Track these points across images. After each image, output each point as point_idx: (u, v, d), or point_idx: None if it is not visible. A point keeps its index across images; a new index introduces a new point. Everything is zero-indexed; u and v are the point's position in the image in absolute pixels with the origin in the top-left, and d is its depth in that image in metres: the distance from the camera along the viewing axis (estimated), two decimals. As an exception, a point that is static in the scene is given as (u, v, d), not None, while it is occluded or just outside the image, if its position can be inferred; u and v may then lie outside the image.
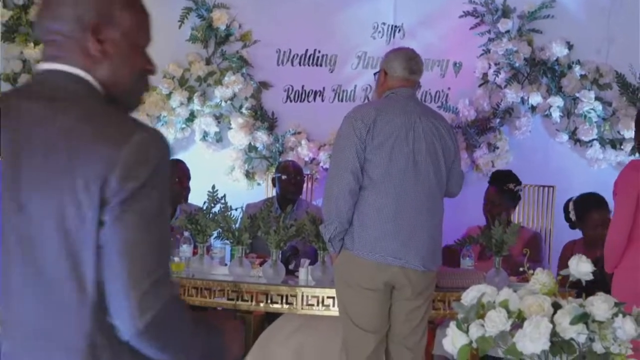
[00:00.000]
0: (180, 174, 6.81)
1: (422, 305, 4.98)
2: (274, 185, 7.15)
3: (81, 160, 2.09)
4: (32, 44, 7.32)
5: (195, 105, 7.55)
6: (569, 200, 6.61)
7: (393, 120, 4.89)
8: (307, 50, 7.77)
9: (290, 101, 7.81)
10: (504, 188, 6.76)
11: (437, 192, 4.99)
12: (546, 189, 7.55)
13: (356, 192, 4.84)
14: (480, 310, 3.24)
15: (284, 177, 6.91)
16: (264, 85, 7.75)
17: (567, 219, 6.60)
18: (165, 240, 2.16)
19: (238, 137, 7.58)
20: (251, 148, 7.64)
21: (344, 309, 4.93)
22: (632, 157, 7.37)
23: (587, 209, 6.43)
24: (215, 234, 5.86)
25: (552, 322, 3.15)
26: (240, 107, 7.64)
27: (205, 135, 7.62)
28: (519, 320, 3.20)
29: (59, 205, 2.10)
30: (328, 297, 5.29)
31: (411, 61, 5.11)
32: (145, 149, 2.12)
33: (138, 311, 2.09)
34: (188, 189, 6.79)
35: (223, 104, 7.61)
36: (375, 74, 5.34)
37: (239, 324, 2.50)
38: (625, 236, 5.15)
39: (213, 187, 5.81)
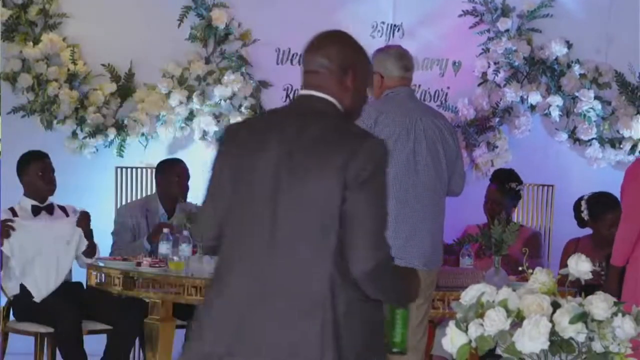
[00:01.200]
0: (180, 173, 6.80)
1: (422, 304, 4.97)
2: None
3: (331, 156, 3.05)
4: (31, 44, 7.32)
5: (195, 105, 7.55)
6: (580, 199, 6.59)
7: (394, 121, 4.88)
8: (306, 50, 7.75)
9: (290, 100, 7.80)
10: (506, 187, 6.76)
11: (439, 192, 4.98)
12: (545, 188, 7.55)
13: None
14: (480, 309, 3.24)
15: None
16: (263, 84, 7.74)
17: (578, 217, 6.58)
18: (386, 213, 3.08)
19: (237, 136, 7.57)
20: (251, 147, 7.63)
21: None
22: (632, 156, 7.40)
23: (602, 209, 6.42)
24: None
25: (551, 321, 3.15)
26: (240, 106, 7.63)
27: (204, 134, 7.61)
28: (518, 319, 3.20)
29: (316, 188, 3.04)
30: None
31: (404, 59, 5.11)
32: (374, 148, 3.11)
33: (367, 259, 3.02)
34: (187, 188, 6.78)
35: (222, 103, 7.60)
36: None
37: (417, 272, 3.37)
38: (636, 229, 5.17)
39: (212, 186, 5.80)
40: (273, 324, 3.06)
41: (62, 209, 6.53)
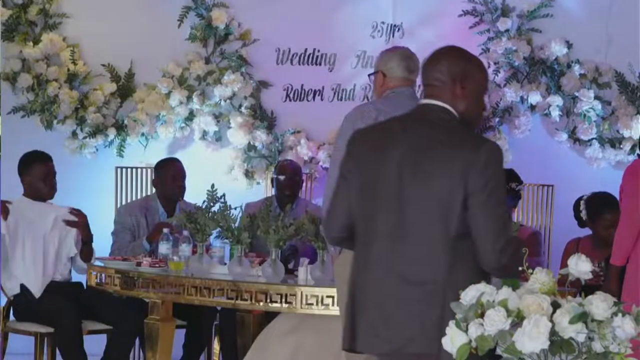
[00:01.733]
0: (175, 172, 6.78)
1: None
2: (272, 185, 7.15)
3: (451, 160, 3.45)
4: (31, 43, 7.32)
5: (195, 105, 7.55)
6: (579, 199, 6.59)
7: None
8: (306, 49, 7.77)
9: (290, 100, 7.81)
10: (506, 187, 6.75)
11: None
12: (545, 188, 7.55)
13: None
14: (479, 309, 3.24)
15: (280, 177, 6.90)
16: (263, 84, 7.75)
17: (578, 217, 6.59)
18: (507, 211, 3.56)
19: (237, 136, 7.58)
20: (250, 147, 7.64)
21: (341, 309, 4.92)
22: (632, 156, 7.39)
23: (600, 210, 6.42)
24: (214, 233, 5.86)
25: (551, 321, 3.15)
26: (240, 106, 7.64)
27: (204, 134, 7.62)
28: (518, 319, 3.20)
29: (438, 184, 3.45)
30: (327, 297, 5.28)
31: (409, 60, 5.10)
32: (492, 153, 3.48)
33: (498, 255, 3.45)
34: (183, 188, 6.76)
35: (222, 103, 7.61)
36: (369, 75, 5.32)
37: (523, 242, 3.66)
38: (636, 228, 5.17)
39: (212, 186, 5.81)
40: (400, 311, 3.48)
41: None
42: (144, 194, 7.32)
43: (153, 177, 6.96)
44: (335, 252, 4.89)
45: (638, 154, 6.87)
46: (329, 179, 4.92)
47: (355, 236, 3.67)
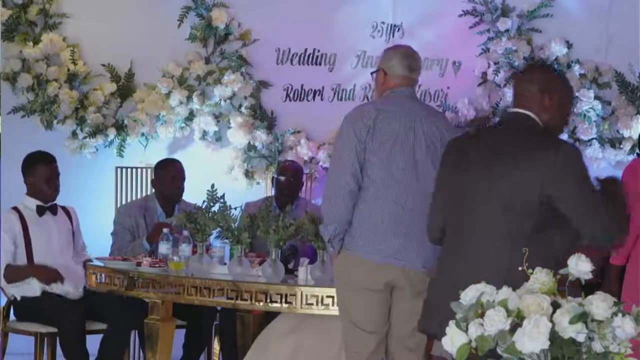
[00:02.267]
0: (175, 173, 6.76)
1: (421, 303, 4.97)
2: (272, 184, 7.15)
3: (528, 160, 3.91)
4: (31, 43, 7.32)
5: (195, 105, 7.55)
6: None
7: (393, 121, 4.87)
8: (306, 49, 7.77)
9: (290, 100, 7.80)
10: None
11: None
12: (545, 188, 7.54)
13: (356, 194, 4.81)
14: (479, 309, 3.24)
15: (280, 178, 6.90)
16: (263, 84, 7.75)
17: None
18: (594, 189, 3.99)
19: (237, 136, 7.58)
20: (250, 147, 7.64)
21: (345, 310, 4.91)
22: (632, 156, 7.39)
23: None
24: (214, 233, 5.85)
25: (551, 321, 3.15)
26: (240, 106, 7.64)
27: (204, 134, 7.62)
28: (518, 319, 3.20)
29: (516, 183, 3.92)
30: (327, 297, 5.28)
31: (410, 59, 5.08)
32: (570, 152, 3.95)
33: (610, 223, 3.93)
34: (182, 189, 6.74)
35: (222, 103, 7.61)
36: (372, 73, 5.31)
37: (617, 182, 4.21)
38: (636, 228, 5.17)
39: (212, 186, 5.80)
40: None
41: (65, 209, 6.55)
42: (144, 194, 7.32)
43: (153, 178, 6.95)
44: (335, 252, 4.89)
45: (638, 154, 6.86)
46: (330, 179, 4.91)
47: (447, 234, 4.22)
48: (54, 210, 6.47)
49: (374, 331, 4.88)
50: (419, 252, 4.85)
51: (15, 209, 6.41)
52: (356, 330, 4.86)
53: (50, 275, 6.28)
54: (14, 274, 6.27)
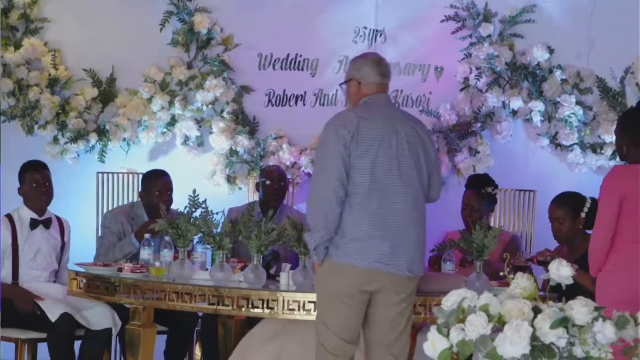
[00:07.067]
0: (160, 188, 6.66)
1: (405, 309, 4.97)
2: (257, 190, 7.14)
3: None
4: (12, 48, 7.29)
5: (177, 110, 7.53)
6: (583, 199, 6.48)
7: (376, 127, 4.87)
8: (288, 55, 7.76)
9: (272, 105, 7.80)
10: (482, 192, 6.77)
11: (422, 197, 4.98)
12: (527, 193, 7.56)
13: (343, 200, 4.81)
14: (461, 315, 3.24)
15: (267, 182, 6.90)
16: (245, 89, 7.74)
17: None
18: None
19: (219, 142, 7.56)
20: (233, 152, 7.63)
21: (324, 320, 4.90)
22: (613, 162, 7.40)
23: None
24: (196, 239, 5.84)
25: (532, 326, 3.16)
26: (222, 111, 7.63)
27: (186, 139, 7.60)
28: (499, 324, 3.20)
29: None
30: (309, 302, 5.28)
31: (382, 66, 5.10)
32: None
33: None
34: (169, 202, 6.66)
35: (204, 108, 7.60)
36: (341, 84, 5.30)
37: None
38: (608, 241, 5.17)
39: (194, 191, 5.79)
40: None
41: (59, 221, 6.54)
42: (125, 200, 7.29)
43: (140, 188, 6.88)
44: (319, 260, 4.88)
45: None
46: (316, 187, 4.89)
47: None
48: (47, 224, 6.46)
49: (353, 341, 4.88)
50: (406, 257, 4.86)
51: (9, 217, 6.38)
52: (335, 339, 4.85)
53: (27, 304, 6.23)
54: None
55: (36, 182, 6.41)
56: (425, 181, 4.98)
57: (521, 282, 3.35)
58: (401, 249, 4.85)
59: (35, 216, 6.42)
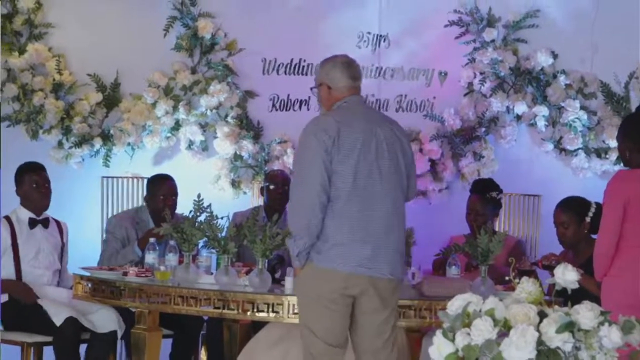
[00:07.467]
0: (165, 192, 6.69)
1: (390, 315, 4.94)
2: (261, 194, 7.15)
3: None
4: (16, 53, 7.30)
5: (181, 114, 7.54)
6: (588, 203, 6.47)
7: (355, 131, 4.84)
8: (292, 60, 7.77)
9: (276, 110, 7.80)
10: (487, 196, 6.77)
11: (401, 199, 4.97)
12: (531, 198, 7.56)
13: (325, 205, 4.79)
14: (466, 319, 3.24)
15: (271, 186, 6.92)
16: (249, 94, 7.75)
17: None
18: None
19: (224, 146, 7.57)
20: (237, 157, 7.64)
21: (307, 324, 4.88)
22: (618, 166, 7.40)
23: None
24: (201, 243, 5.85)
25: (538, 330, 3.16)
26: (226, 116, 7.64)
27: (190, 144, 7.61)
28: (505, 328, 3.20)
29: None
30: (314, 306, 5.28)
31: (351, 68, 5.07)
32: None
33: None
34: (174, 206, 6.68)
35: (208, 112, 7.61)
36: (312, 88, 5.28)
37: None
38: (612, 245, 5.17)
39: (199, 196, 5.80)
40: None
41: (57, 223, 6.55)
42: (130, 204, 7.30)
43: (145, 193, 6.90)
44: (300, 265, 4.87)
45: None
46: (298, 193, 4.87)
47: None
48: (45, 223, 6.47)
49: (339, 345, 4.87)
50: (386, 261, 4.85)
51: (7, 218, 6.40)
52: (320, 344, 4.84)
53: (29, 296, 6.24)
54: None
55: (36, 182, 6.42)
56: (404, 183, 4.97)
57: (526, 286, 3.36)
58: (382, 253, 4.84)
59: (33, 216, 6.43)
